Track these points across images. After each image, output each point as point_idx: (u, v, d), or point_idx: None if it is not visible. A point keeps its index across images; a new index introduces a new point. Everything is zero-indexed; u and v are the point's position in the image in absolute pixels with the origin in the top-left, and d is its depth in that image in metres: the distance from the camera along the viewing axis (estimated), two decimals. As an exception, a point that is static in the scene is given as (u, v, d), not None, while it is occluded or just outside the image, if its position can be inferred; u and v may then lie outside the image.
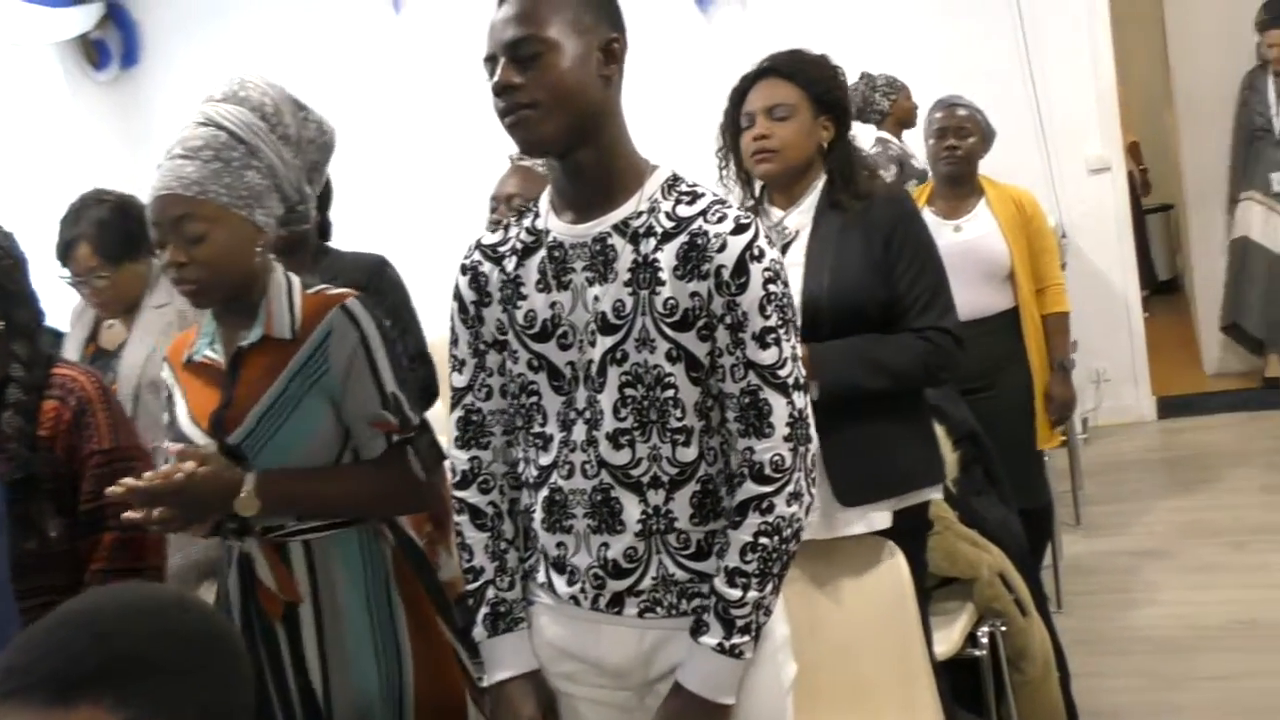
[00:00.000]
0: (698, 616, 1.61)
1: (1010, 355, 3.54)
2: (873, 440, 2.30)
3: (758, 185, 2.48)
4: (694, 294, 1.57)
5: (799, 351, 1.63)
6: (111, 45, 6.92)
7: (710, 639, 1.59)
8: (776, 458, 1.58)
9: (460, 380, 1.77)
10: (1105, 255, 5.76)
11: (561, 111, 1.56)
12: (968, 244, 3.45)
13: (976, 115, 3.60)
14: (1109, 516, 4.68)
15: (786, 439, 1.59)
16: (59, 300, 3.23)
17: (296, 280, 1.97)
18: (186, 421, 1.95)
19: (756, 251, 1.58)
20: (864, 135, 4.84)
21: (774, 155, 2.35)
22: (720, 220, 1.59)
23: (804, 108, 2.36)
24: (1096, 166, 5.72)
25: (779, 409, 1.58)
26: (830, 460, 2.23)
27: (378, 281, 2.80)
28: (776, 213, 2.41)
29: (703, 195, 1.64)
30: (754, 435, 1.59)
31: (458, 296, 1.76)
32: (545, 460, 1.68)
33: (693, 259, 1.57)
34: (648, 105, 5.94)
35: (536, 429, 1.69)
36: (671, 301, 1.58)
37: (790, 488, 1.59)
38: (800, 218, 2.38)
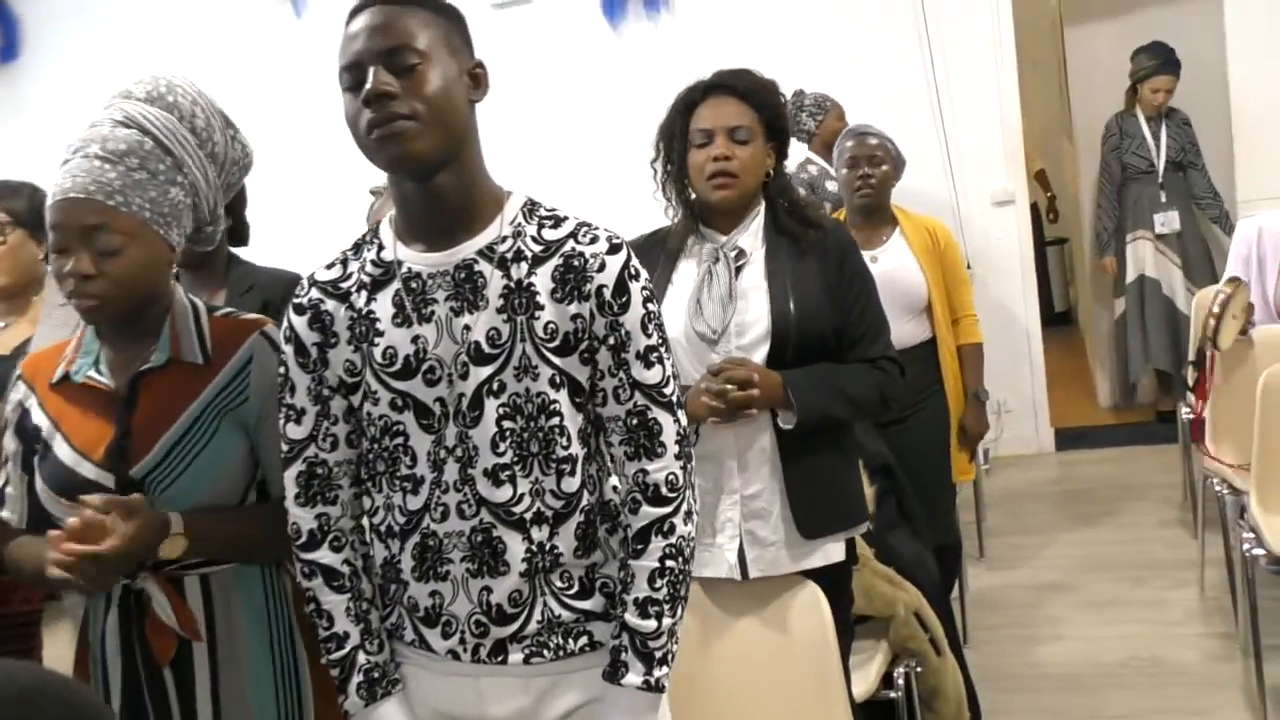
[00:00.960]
0: (613, 658, 1.55)
1: (927, 387, 3.50)
2: (828, 472, 2.28)
3: (692, 204, 2.37)
4: (575, 316, 1.53)
5: (675, 370, 1.61)
6: (-10, 37, 6.58)
7: (634, 678, 1.54)
8: (670, 476, 1.56)
9: (299, 432, 1.63)
10: (1008, 287, 5.81)
11: (437, 128, 1.48)
12: (885, 275, 3.36)
13: (888, 144, 3.56)
14: (1011, 549, 4.69)
15: (677, 456, 1.58)
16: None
17: (200, 302, 1.83)
18: (69, 452, 1.75)
19: (633, 270, 1.56)
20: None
21: (734, 180, 2.26)
22: (593, 241, 1.55)
23: (759, 132, 2.29)
24: (1001, 199, 5.77)
25: (668, 427, 1.57)
26: (793, 492, 2.22)
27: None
28: (718, 236, 2.31)
29: (565, 218, 1.59)
30: (645, 456, 1.56)
31: (293, 339, 1.62)
32: (414, 504, 1.57)
33: (570, 280, 1.53)
34: (559, 121, 5.90)
35: (404, 471, 1.58)
36: (552, 325, 1.53)
37: (684, 506, 1.58)
38: (750, 240, 2.30)
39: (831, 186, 4.70)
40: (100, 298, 1.70)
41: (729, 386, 2.13)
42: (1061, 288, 9.03)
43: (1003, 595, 4.26)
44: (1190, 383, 4.21)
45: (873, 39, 5.76)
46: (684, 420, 1.60)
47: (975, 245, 5.67)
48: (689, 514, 1.58)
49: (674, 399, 1.58)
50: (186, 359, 1.76)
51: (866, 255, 3.39)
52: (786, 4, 5.88)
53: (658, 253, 2.37)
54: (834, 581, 2.29)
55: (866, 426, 3.17)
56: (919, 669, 2.79)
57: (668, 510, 1.56)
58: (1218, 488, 3.66)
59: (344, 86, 1.50)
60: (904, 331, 3.40)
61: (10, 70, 6.80)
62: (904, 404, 3.38)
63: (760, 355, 2.21)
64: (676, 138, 2.34)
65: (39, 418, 1.79)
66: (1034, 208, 8.22)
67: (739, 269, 2.27)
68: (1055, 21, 7.05)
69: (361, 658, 1.63)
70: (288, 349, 1.63)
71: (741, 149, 2.26)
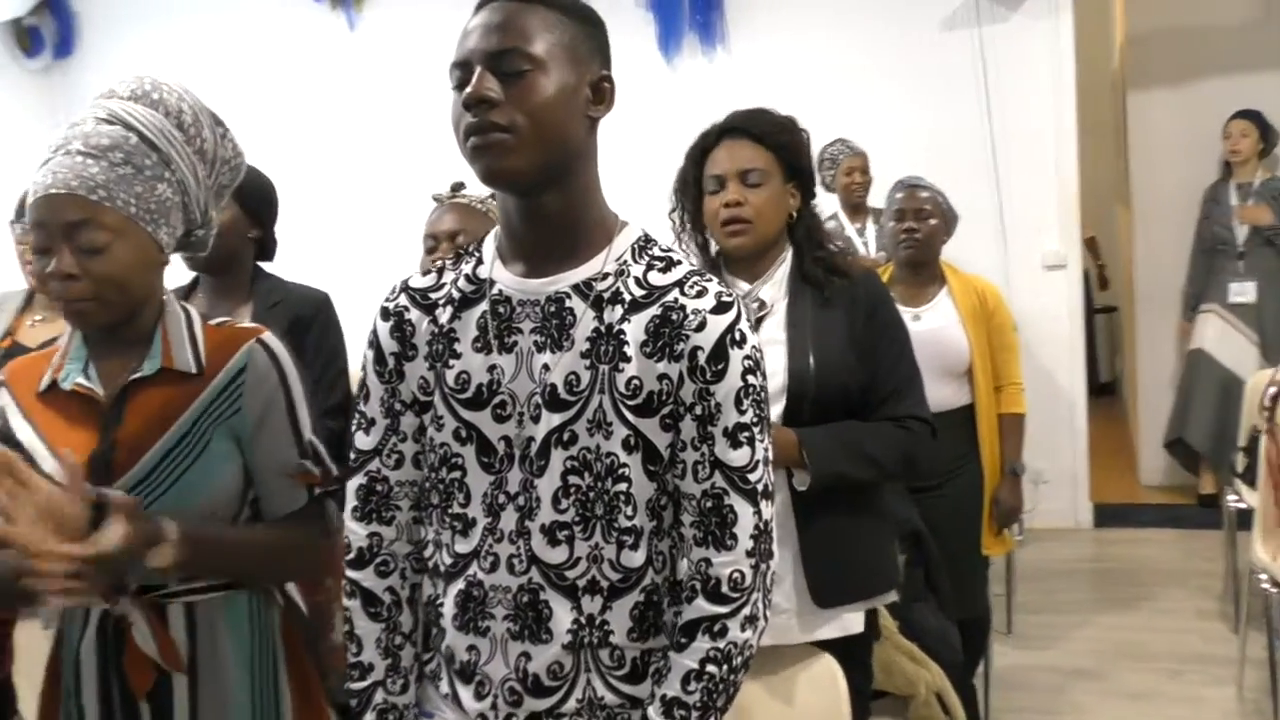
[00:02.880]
0: None
1: (963, 454, 3.35)
2: (848, 537, 2.12)
3: (714, 252, 2.26)
4: (662, 376, 1.36)
5: (770, 454, 1.41)
6: (46, 33, 6.62)
7: None
8: (736, 574, 1.37)
9: (367, 442, 1.52)
10: (1054, 353, 5.64)
11: (539, 143, 1.33)
12: (926, 334, 3.25)
13: (938, 198, 3.43)
14: (1041, 628, 4.49)
15: (749, 554, 1.38)
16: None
17: (194, 310, 1.74)
18: (53, 463, 1.63)
19: (738, 335, 1.37)
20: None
21: (749, 226, 2.15)
22: (700, 295, 1.38)
23: (775, 174, 2.17)
24: (1053, 263, 5.61)
25: (744, 519, 1.38)
26: (809, 557, 2.07)
27: (324, 318, 2.58)
28: (741, 285, 2.20)
29: (680, 262, 1.42)
30: (713, 545, 1.38)
31: (375, 345, 1.51)
32: (464, 547, 1.44)
33: (665, 335, 1.37)
34: (611, 156, 5.80)
35: (456, 509, 1.44)
36: (635, 382, 1.37)
37: (747, 610, 1.38)
38: (772, 290, 2.18)
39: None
40: (86, 299, 1.60)
41: None
42: (1108, 358, 8.83)
43: (1028, 677, 4.07)
44: (1239, 469, 4.02)
45: (930, 89, 5.64)
46: (767, 513, 1.40)
47: (1023, 309, 5.49)
48: (750, 619, 1.38)
49: (759, 487, 1.39)
50: (178, 368, 1.66)
51: (909, 313, 3.31)
52: (843, 48, 5.77)
53: None
54: (851, 655, 2.14)
55: (898, 491, 3.04)
56: (936, 754, 2.63)
57: (723, 610, 1.37)
58: (1264, 584, 3.47)
59: (452, 85, 1.37)
60: (942, 395, 3.26)
61: (65, 66, 6.83)
62: (938, 470, 3.26)
63: (775, 411, 2.08)
64: (690, 185, 2.23)
65: (20, 426, 1.69)
66: (1097, 271, 8.09)
67: (759, 320, 2.15)
68: (1117, 84, 6.91)
69: (379, 695, 1.51)
70: (369, 354, 1.52)
71: (754, 193, 2.15)
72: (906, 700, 2.67)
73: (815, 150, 4.61)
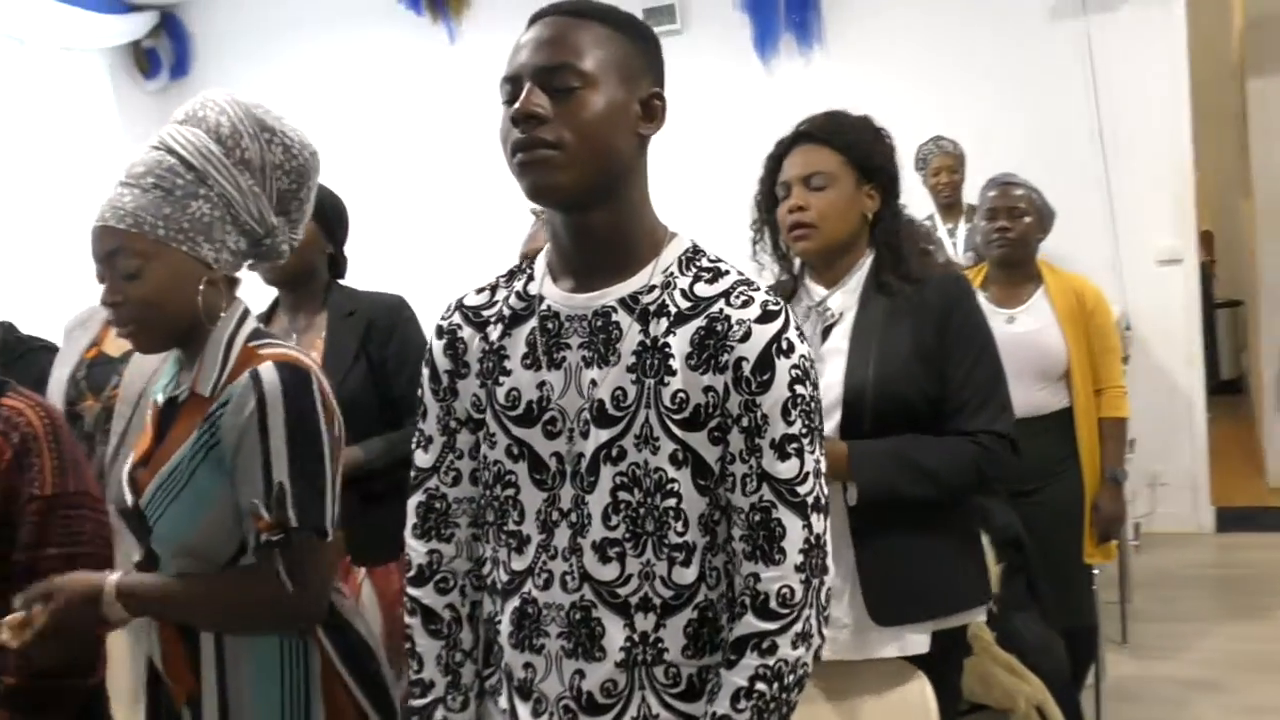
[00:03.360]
0: None
1: (1061, 460, 3.23)
2: (914, 553, 2.04)
3: (796, 261, 2.23)
4: (708, 388, 1.34)
5: (823, 466, 1.38)
6: (163, 55, 6.84)
7: None
8: (785, 590, 1.34)
9: (425, 460, 1.53)
10: (1170, 351, 5.45)
11: (588, 161, 1.33)
12: (1021, 337, 3.16)
13: (1033, 195, 3.31)
14: (1159, 637, 4.33)
15: (799, 569, 1.34)
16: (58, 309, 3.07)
17: (246, 329, 1.73)
18: (124, 470, 1.74)
19: (785, 344, 1.34)
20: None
21: (812, 230, 2.10)
22: (745, 304, 1.36)
23: (844, 175, 2.11)
24: (1167, 258, 5.41)
25: (793, 532, 1.35)
26: (866, 573, 2.01)
27: (402, 322, 2.62)
28: (819, 291, 2.16)
29: (727, 273, 1.40)
30: (761, 560, 1.35)
31: (430, 363, 1.53)
32: (519, 565, 1.43)
33: (710, 347, 1.35)
34: (705, 157, 5.79)
35: (511, 526, 1.44)
36: (681, 395, 1.35)
37: (798, 626, 1.35)
38: (844, 299, 2.13)
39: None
40: (130, 323, 1.67)
41: None
42: (1231, 354, 8.49)
43: (1145, 688, 3.92)
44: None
45: (1034, 82, 5.49)
46: (819, 526, 1.36)
47: (1137, 305, 5.34)
48: (803, 636, 1.34)
49: (809, 499, 1.35)
50: (199, 391, 1.68)
51: (1002, 314, 3.23)
52: (944, 43, 5.66)
53: None
54: (934, 672, 2.06)
55: (999, 497, 2.96)
56: (1037, 770, 2.55)
57: (772, 626, 1.34)
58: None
59: (502, 99, 1.37)
60: (1038, 399, 3.17)
61: (182, 86, 7.03)
62: (1037, 474, 3.16)
63: (831, 424, 2.02)
64: (764, 195, 2.21)
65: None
66: (1203, 267, 7.79)
67: (828, 329, 2.10)
68: (1236, 71, 6.64)
69: (440, 713, 1.51)
70: (425, 372, 1.53)
71: (818, 196, 2.10)
72: (1005, 714, 2.60)
73: (911, 148, 4.54)
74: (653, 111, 1.39)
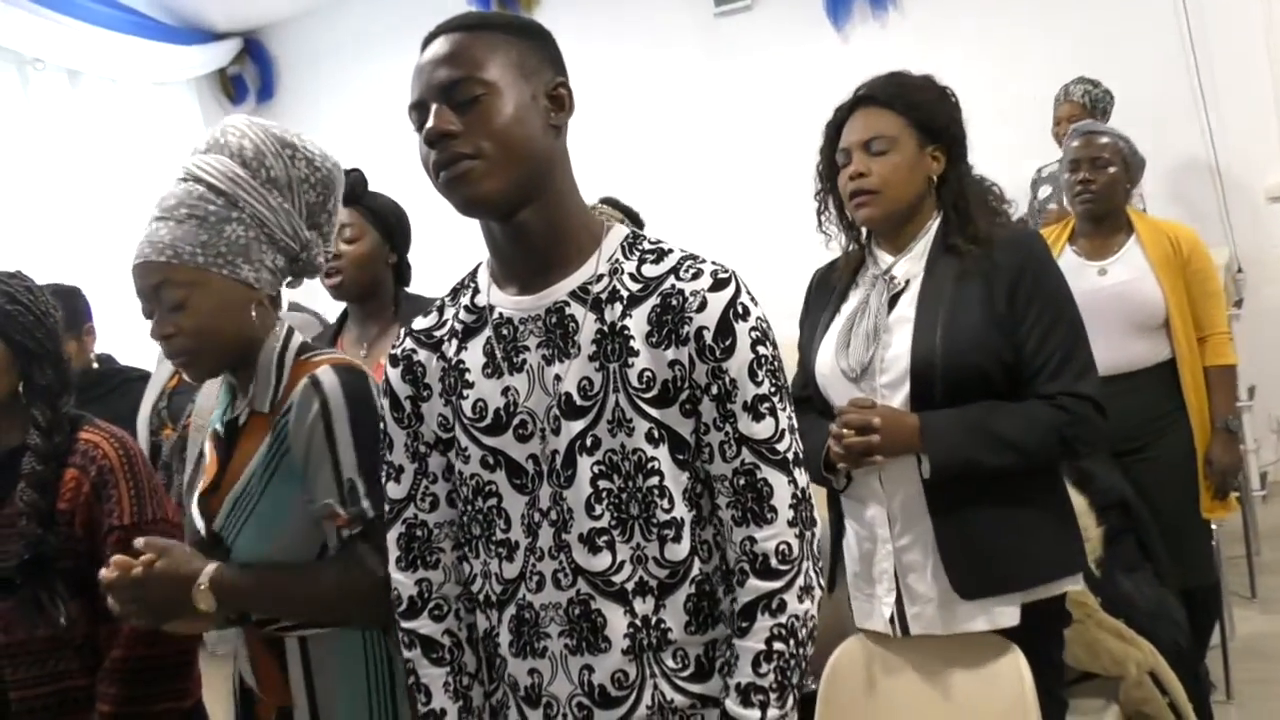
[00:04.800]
0: None
1: (1168, 413, 3.10)
2: (997, 524, 1.98)
3: (863, 230, 2.17)
4: (673, 362, 1.37)
5: (794, 423, 1.42)
6: (248, 80, 7.00)
7: None
8: (782, 546, 1.37)
9: (398, 491, 1.53)
10: (1281, 292, 5.20)
11: (508, 164, 1.35)
12: (1115, 289, 3.05)
13: (1118, 143, 3.18)
14: (1290, 590, 4.15)
15: (791, 523, 1.38)
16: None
17: (294, 345, 1.75)
18: (193, 500, 1.76)
19: (740, 309, 1.37)
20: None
21: (873, 197, 2.04)
22: (695, 276, 1.38)
23: (907, 138, 2.05)
24: (1276, 195, 5.16)
25: (780, 489, 1.38)
26: (947, 548, 1.97)
27: None
28: (885, 258, 2.10)
29: (671, 251, 1.42)
30: (753, 522, 1.38)
31: (389, 393, 1.53)
32: (510, 572, 1.44)
33: (668, 322, 1.38)
34: (782, 129, 5.71)
35: (499, 535, 1.45)
36: (648, 373, 1.37)
37: (801, 580, 1.38)
38: (910, 265, 2.07)
39: None
40: (184, 354, 1.69)
41: (845, 431, 1.93)
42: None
43: (1277, 644, 3.76)
44: None
45: (1122, 25, 5.27)
46: (802, 480, 1.40)
47: (1246, 246, 5.11)
48: (806, 589, 1.38)
49: (789, 455, 1.39)
50: (256, 409, 1.71)
51: (1093, 267, 3.12)
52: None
53: (833, 282, 2.19)
54: (1032, 645, 2.00)
55: (1101, 456, 2.86)
56: (1155, 738, 2.46)
57: (777, 585, 1.36)
58: None
59: (414, 127, 1.40)
60: (1137, 351, 3.05)
61: (268, 110, 7.19)
62: (1141, 430, 3.05)
63: (901, 395, 1.98)
64: (825, 163, 2.15)
65: (200, 466, 1.82)
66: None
67: (895, 297, 2.04)
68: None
69: None
70: (384, 402, 1.54)
71: (879, 161, 2.04)
72: (1117, 682, 2.51)
73: (998, 106, 4.38)
74: (560, 100, 1.41)
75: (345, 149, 2.03)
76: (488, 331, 1.45)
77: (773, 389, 1.38)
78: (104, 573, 1.59)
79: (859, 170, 2.05)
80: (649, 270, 1.41)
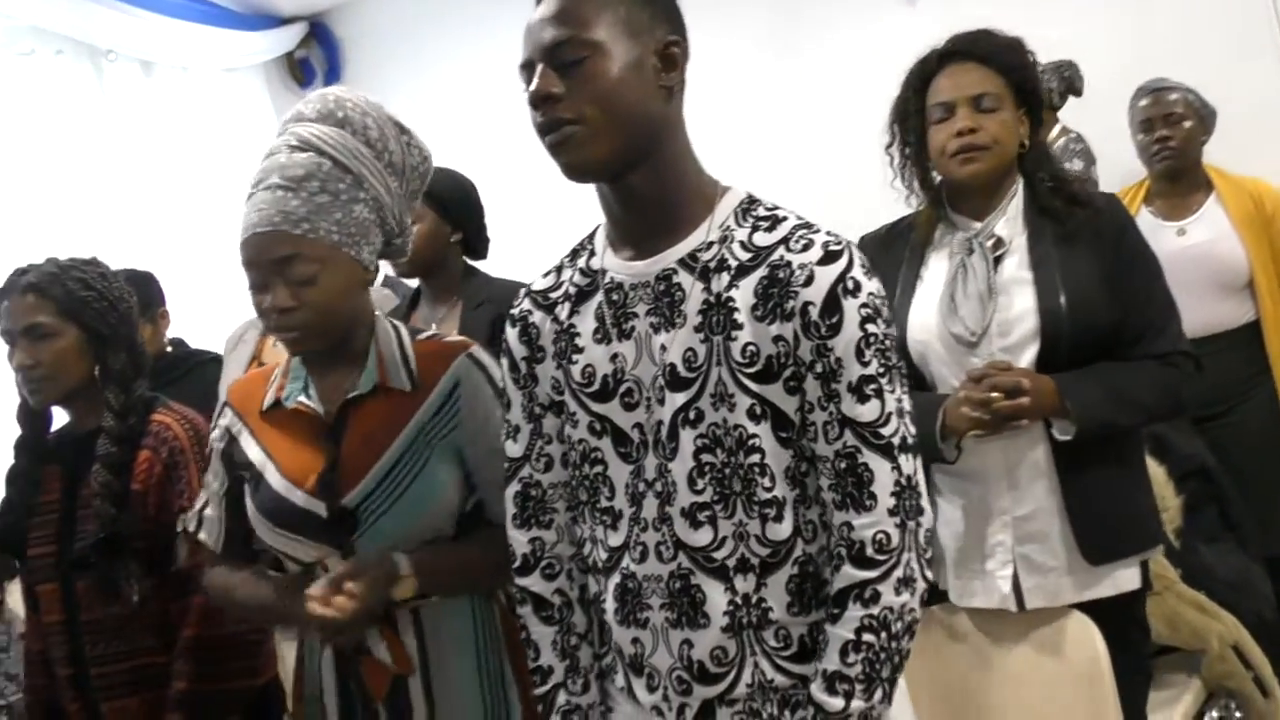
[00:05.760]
0: None
1: (1251, 376, 3.03)
2: (1116, 487, 1.98)
3: (937, 188, 2.11)
4: (777, 338, 1.32)
5: (906, 405, 1.33)
6: (315, 63, 7.03)
7: None
8: (880, 535, 1.31)
9: (515, 449, 1.54)
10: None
11: (614, 128, 1.31)
12: (1194, 249, 2.98)
13: (1189, 96, 3.10)
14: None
15: (891, 512, 1.32)
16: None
17: (403, 326, 1.77)
18: (280, 480, 1.72)
19: (850, 284, 1.31)
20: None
21: (983, 153, 1.98)
22: (805, 248, 1.33)
23: (1007, 99, 2.01)
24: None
25: (882, 476, 1.32)
26: (1075, 512, 1.93)
27: None
28: (968, 222, 2.04)
29: (785, 219, 1.37)
30: (852, 508, 1.32)
31: (507, 353, 1.54)
32: (615, 541, 1.43)
33: (774, 296, 1.33)
34: (843, 102, 5.62)
35: (604, 503, 1.44)
36: (751, 348, 1.33)
37: (899, 572, 1.32)
38: (1011, 226, 2.02)
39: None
40: (303, 328, 1.66)
41: (994, 395, 1.86)
42: None
43: (1369, 613, 3.63)
44: None
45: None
46: (908, 467, 1.33)
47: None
48: (905, 581, 1.32)
49: (895, 440, 1.32)
50: (393, 385, 1.71)
51: (1172, 227, 3.04)
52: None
53: (901, 246, 2.12)
54: (1126, 612, 1.98)
55: (1179, 424, 2.79)
56: (1238, 713, 2.40)
57: (872, 574, 1.31)
58: None
59: (524, 85, 1.37)
60: (1219, 313, 2.98)
61: (337, 93, 7.27)
62: (1224, 395, 2.97)
63: (1028, 357, 1.93)
64: (912, 116, 2.08)
65: (249, 446, 1.78)
66: None
67: (997, 259, 1.99)
68: None
69: (562, 697, 1.52)
70: (504, 361, 1.55)
71: (989, 118, 1.98)
72: (1198, 655, 2.45)
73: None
74: (672, 59, 1.37)
75: (413, 129, 2.02)
76: (599, 296, 1.44)
77: (881, 370, 1.32)
78: (342, 609, 1.58)
79: (970, 125, 1.98)
80: (760, 239, 1.36)
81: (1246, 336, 3.03)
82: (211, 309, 4.28)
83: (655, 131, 1.35)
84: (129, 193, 4.98)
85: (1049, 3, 5.22)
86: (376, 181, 1.70)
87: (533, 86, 1.33)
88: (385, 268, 2.23)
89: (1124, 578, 1.97)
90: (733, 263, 1.36)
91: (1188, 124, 3.06)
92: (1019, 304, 1.95)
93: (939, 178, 2.09)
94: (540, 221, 6.25)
